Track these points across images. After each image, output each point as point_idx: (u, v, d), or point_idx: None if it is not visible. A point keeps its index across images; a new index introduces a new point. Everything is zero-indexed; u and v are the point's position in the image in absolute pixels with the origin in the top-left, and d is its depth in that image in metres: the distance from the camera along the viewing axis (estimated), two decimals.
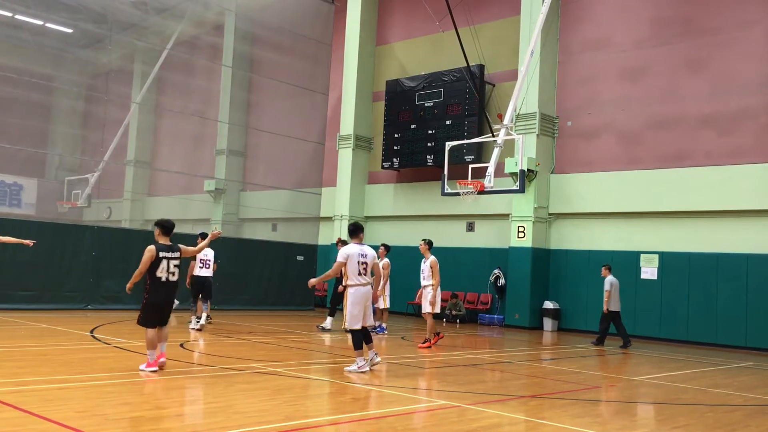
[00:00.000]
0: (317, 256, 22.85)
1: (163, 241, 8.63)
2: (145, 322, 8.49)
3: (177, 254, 8.62)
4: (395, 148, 22.44)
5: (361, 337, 9.39)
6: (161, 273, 8.40)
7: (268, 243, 22.70)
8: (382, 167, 22.88)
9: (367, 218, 23.68)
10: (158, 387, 7.66)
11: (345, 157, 23.76)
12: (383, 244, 15.92)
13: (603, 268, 15.76)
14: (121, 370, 8.60)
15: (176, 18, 27.51)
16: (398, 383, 8.75)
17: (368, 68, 24.17)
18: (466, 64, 19.47)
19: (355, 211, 23.41)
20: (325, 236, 23.64)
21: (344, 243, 15.63)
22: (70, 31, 30.71)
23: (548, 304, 19.22)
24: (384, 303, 15.00)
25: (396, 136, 22.45)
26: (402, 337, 15.03)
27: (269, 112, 27.47)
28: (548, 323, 19.10)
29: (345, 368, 9.42)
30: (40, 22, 29.43)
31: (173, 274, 8.54)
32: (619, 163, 18.63)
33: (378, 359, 9.64)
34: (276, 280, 21.01)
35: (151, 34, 29.01)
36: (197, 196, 27.63)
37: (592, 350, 14.71)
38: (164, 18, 27.74)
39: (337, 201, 23.70)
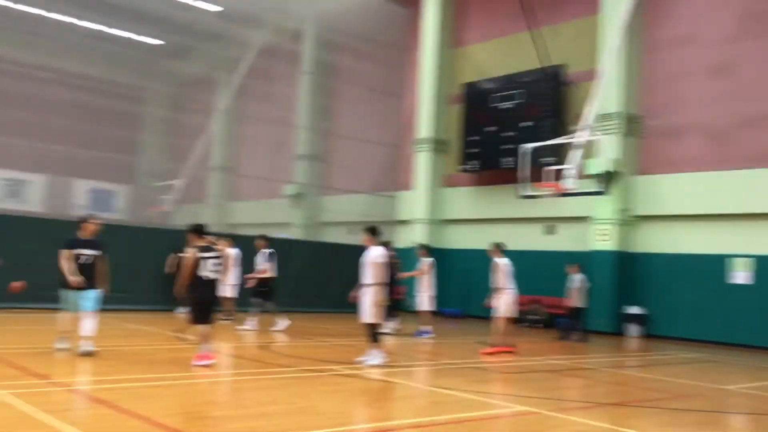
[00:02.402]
0: None
1: (200, 242, 9.27)
2: (196, 319, 9.11)
3: (215, 254, 9.28)
4: (472, 150, 22.28)
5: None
6: (203, 272, 9.02)
7: (346, 246, 22.93)
8: (460, 170, 22.76)
9: (444, 221, 23.59)
10: (242, 387, 7.86)
11: (422, 160, 23.76)
12: (423, 245, 15.89)
13: (571, 267, 16.54)
14: (206, 370, 8.87)
15: (258, 27, 28.23)
16: (478, 388, 8.67)
17: (445, 71, 24.10)
18: (544, 65, 19.14)
19: (433, 215, 23.36)
20: (403, 239, 23.68)
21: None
22: (158, 42, 31.98)
23: (633, 309, 18.63)
24: (427, 305, 14.97)
25: (473, 138, 22.29)
26: (479, 342, 14.89)
27: (347, 117, 27.78)
28: (633, 329, 18.51)
29: (366, 361, 9.78)
30: (130, 35, 30.76)
31: (214, 272, 9.12)
32: (707, 163, 17.89)
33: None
34: (354, 284, 21.15)
35: (234, 43, 29.87)
36: (278, 201, 28.23)
37: (680, 357, 14.18)
38: (246, 28, 28.50)
39: (414, 204, 23.71)
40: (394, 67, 25.97)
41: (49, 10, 27.53)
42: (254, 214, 29.60)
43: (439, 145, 23.71)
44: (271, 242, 14.91)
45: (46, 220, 17.52)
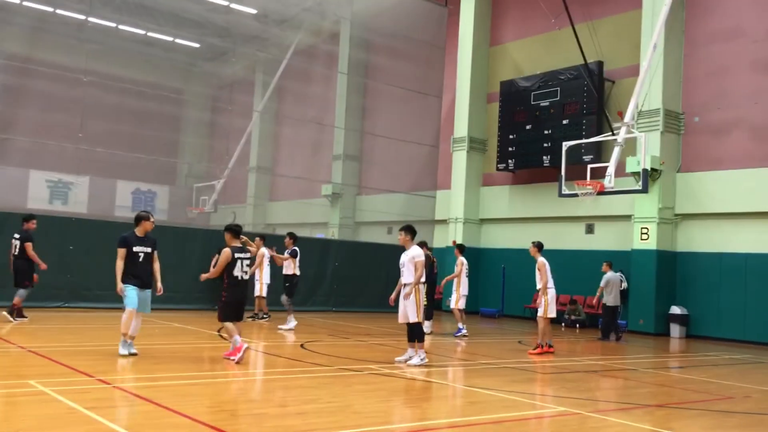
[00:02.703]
0: None
1: (235, 243, 9.56)
2: (225, 317, 9.47)
3: (248, 255, 9.68)
4: (510, 149, 22.12)
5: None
6: (237, 272, 9.36)
7: (384, 246, 22.98)
8: (497, 169, 22.61)
9: (483, 221, 23.47)
10: (280, 385, 7.93)
11: (459, 159, 23.67)
12: (458, 244, 15.85)
13: (604, 264, 16.39)
14: (246, 368, 8.98)
15: (294, 28, 28.44)
16: (517, 388, 8.61)
17: (482, 69, 23.97)
18: (583, 62, 18.91)
19: (470, 214, 23.28)
20: (440, 239, 23.63)
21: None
22: (197, 45, 32.44)
23: (675, 310, 18.28)
24: (460, 303, 14.88)
25: (511, 137, 22.13)
26: (519, 342, 14.79)
27: (384, 116, 27.81)
28: (675, 329, 18.17)
29: (408, 362, 9.90)
30: (170, 39, 31.27)
31: (246, 273, 9.52)
32: (752, 159, 17.47)
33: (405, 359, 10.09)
34: (392, 283, 21.15)
35: (271, 45, 30.13)
36: (315, 201, 28.41)
37: (724, 359, 13.88)
38: (283, 29, 28.74)
39: (452, 204, 23.64)
40: (430, 65, 25.92)
41: (92, 16, 28.15)
42: (292, 214, 29.84)
43: (476, 144, 23.61)
44: (295, 241, 15.02)
45: (90, 221, 17.91)
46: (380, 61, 27.98)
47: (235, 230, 9.64)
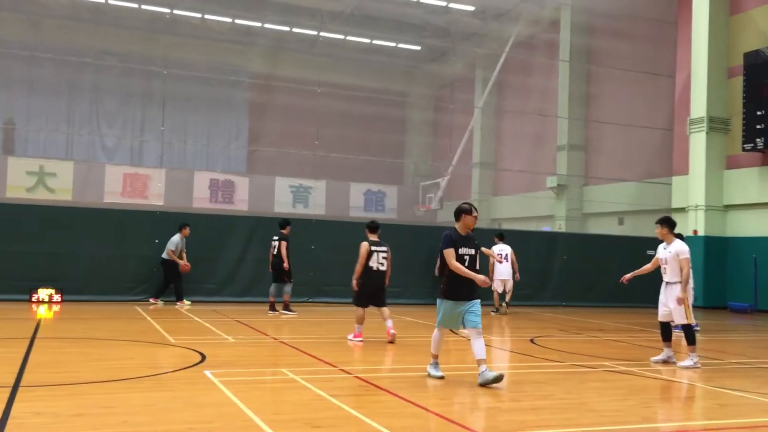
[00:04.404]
0: None
1: (373, 238, 10.61)
2: (358, 302, 10.50)
3: (385, 248, 10.58)
4: (758, 127, 19.89)
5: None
6: (373, 263, 10.41)
7: (615, 238, 21.92)
8: (743, 149, 20.47)
9: (727, 207, 21.38)
10: (512, 380, 7.88)
11: (697, 141, 21.77)
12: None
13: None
14: (474, 363, 9.07)
15: (512, 21, 28.18)
16: None
17: (721, 42, 21.82)
18: None
19: (713, 200, 21.30)
20: (679, 228, 21.91)
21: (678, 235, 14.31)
22: (418, 48, 33.45)
23: None
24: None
25: (759, 113, 19.89)
26: None
27: (610, 102, 26.56)
28: None
29: (678, 364, 9.22)
30: (392, 44, 32.58)
31: (382, 264, 10.48)
32: None
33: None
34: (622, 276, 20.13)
35: (489, 40, 30.16)
36: (540, 193, 27.91)
37: None
38: (501, 23, 28.60)
39: (691, 190, 21.81)
40: (660, 43, 24.23)
41: (323, 31, 30.26)
42: (517, 208, 29.61)
43: (717, 124, 21.54)
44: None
45: (328, 222, 19.23)
46: (604, 45, 26.74)
47: (371, 226, 10.75)
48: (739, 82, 20.92)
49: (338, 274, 16.28)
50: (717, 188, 21.42)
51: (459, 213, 7.69)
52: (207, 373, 7.49)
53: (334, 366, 8.40)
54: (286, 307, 14.56)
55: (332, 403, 6.29)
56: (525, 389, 7.40)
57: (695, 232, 21.09)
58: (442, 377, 7.55)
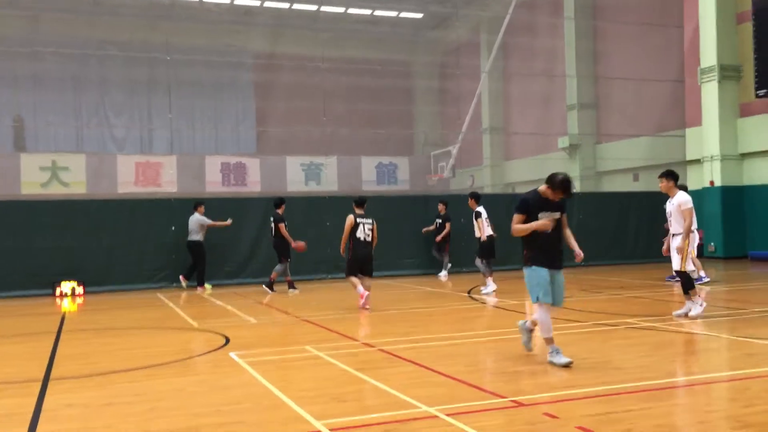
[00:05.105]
0: None
1: (359, 211, 11.31)
2: (350, 271, 11.33)
3: (370, 221, 11.29)
4: None
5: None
6: (360, 234, 11.14)
7: (631, 194, 21.74)
8: (757, 96, 20.14)
9: (744, 156, 21.10)
10: (534, 342, 7.89)
11: (709, 91, 21.42)
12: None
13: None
14: (498, 327, 9.08)
15: None
16: None
17: None
18: None
19: (728, 150, 21.00)
20: (694, 180, 21.75)
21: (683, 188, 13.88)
22: (420, 16, 33.09)
23: None
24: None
25: None
26: None
27: (618, 57, 26.18)
28: None
29: (688, 314, 9.28)
30: (394, 13, 32.25)
31: (368, 235, 11.19)
32: None
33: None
34: (644, 233, 20.03)
35: (492, 2, 29.76)
36: (553, 155, 27.69)
37: None
38: None
39: (705, 141, 21.55)
40: None
41: (324, 5, 29.96)
42: (530, 171, 29.43)
43: (728, 72, 21.16)
44: (478, 200, 14.10)
45: (341, 198, 19.20)
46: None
47: (357, 201, 11.43)
48: (749, 27, 20.52)
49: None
50: (731, 137, 21.13)
51: (552, 181, 6.91)
52: (232, 355, 7.55)
53: (356, 340, 8.44)
54: (269, 284, 14.45)
55: (357, 377, 6.32)
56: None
57: (712, 183, 20.87)
58: (570, 363, 6.42)
